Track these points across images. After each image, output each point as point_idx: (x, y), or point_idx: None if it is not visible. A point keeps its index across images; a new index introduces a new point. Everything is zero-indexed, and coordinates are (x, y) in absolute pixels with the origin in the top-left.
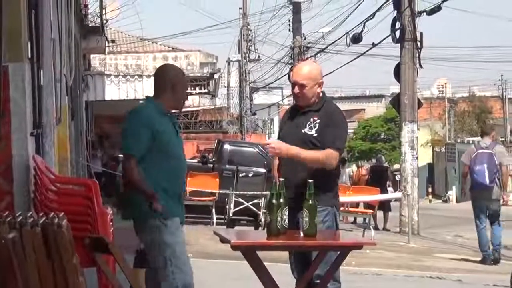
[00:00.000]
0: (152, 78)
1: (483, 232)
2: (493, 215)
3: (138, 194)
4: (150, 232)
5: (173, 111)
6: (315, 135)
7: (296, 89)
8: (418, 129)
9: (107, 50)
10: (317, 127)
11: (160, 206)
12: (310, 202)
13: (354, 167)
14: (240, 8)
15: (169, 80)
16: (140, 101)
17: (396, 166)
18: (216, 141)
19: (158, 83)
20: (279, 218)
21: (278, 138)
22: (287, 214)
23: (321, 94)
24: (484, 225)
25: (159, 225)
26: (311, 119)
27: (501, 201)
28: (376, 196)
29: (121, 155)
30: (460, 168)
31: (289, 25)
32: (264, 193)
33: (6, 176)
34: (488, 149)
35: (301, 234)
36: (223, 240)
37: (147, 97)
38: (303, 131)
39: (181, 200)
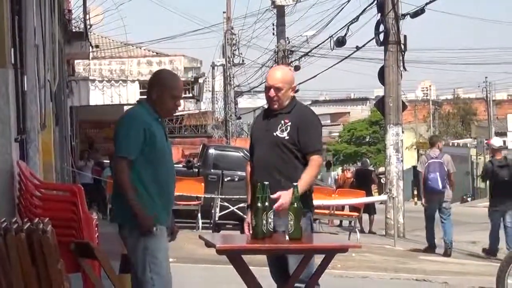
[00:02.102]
0: (136, 83)
1: (432, 230)
2: (444, 212)
3: (124, 198)
4: (134, 237)
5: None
6: (286, 137)
7: (272, 93)
8: (403, 131)
9: (91, 55)
10: (288, 129)
11: (148, 225)
12: (295, 205)
13: (339, 170)
14: (224, 12)
15: (162, 86)
16: (125, 106)
17: (382, 169)
18: (201, 146)
19: (151, 88)
20: (264, 222)
21: (250, 143)
22: (272, 217)
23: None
24: (433, 225)
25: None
26: (282, 122)
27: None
28: (362, 199)
29: (106, 160)
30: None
31: (273, 28)
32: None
33: None
34: (437, 158)
35: (287, 237)
36: (209, 245)
37: (139, 101)
38: (274, 134)
39: (170, 206)
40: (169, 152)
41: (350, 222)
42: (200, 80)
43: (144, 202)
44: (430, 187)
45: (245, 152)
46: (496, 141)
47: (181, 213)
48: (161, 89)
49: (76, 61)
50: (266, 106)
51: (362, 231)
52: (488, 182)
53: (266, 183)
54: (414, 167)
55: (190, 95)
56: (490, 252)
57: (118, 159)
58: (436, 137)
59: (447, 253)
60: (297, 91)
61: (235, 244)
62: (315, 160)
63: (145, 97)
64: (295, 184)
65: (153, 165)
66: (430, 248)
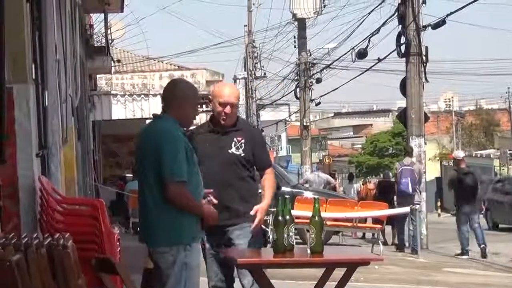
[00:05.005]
0: (159, 96)
1: (406, 229)
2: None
3: (163, 217)
4: (173, 254)
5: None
6: (242, 154)
7: (229, 109)
8: (425, 143)
9: (113, 70)
10: (243, 147)
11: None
12: (316, 218)
13: (361, 183)
14: (245, 26)
15: (183, 97)
16: (147, 120)
17: None
18: None
19: (173, 101)
20: (285, 235)
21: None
22: (293, 231)
23: None
24: (403, 226)
25: (184, 248)
26: (235, 139)
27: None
28: (384, 211)
29: (128, 175)
30: None
31: (295, 41)
32: (272, 210)
33: (12, 198)
34: (409, 166)
35: (308, 251)
36: (230, 258)
37: (158, 115)
38: (229, 151)
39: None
40: (197, 165)
41: (373, 234)
42: None
43: (183, 219)
44: (401, 190)
45: None
46: (459, 153)
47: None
48: (184, 100)
49: (98, 76)
50: (288, 119)
51: (385, 243)
52: (453, 189)
53: (287, 196)
54: (437, 178)
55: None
56: (463, 253)
57: (177, 184)
58: (410, 147)
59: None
60: (318, 103)
61: (257, 258)
62: (272, 174)
63: (161, 111)
64: (317, 197)
65: (193, 180)
66: (401, 247)
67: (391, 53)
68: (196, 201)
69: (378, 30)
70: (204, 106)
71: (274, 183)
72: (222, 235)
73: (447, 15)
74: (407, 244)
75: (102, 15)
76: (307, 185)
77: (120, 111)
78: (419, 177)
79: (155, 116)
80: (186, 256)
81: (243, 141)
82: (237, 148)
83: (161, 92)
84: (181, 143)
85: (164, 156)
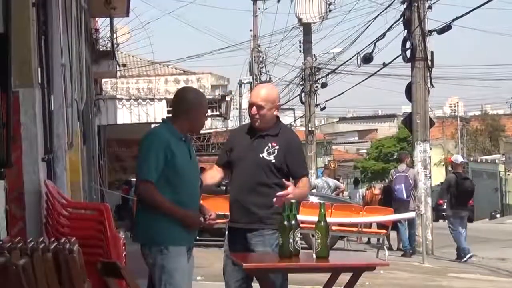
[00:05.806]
0: (164, 101)
1: (404, 233)
2: (409, 222)
3: (144, 218)
4: (153, 255)
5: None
6: (273, 161)
7: (254, 110)
8: (430, 148)
9: (118, 74)
10: (275, 153)
11: (206, 221)
12: (322, 223)
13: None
14: (250, 30)
15: (185, 103)
16: (152, 125)
17: None
18: None
19: (174, 106)
20: (291, 240)
21: (229, 159)
22: (299, 235)
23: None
24: (404, 228)
25: (161, 250)
26: (269, 144)
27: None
28: (389, 217)
29: (133, 179)
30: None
31: (300, 46)
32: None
33: (18, 202)
34: (404, 172)
35: (314, 256)
36: (236, 263)
37: (163, 119)
38: (260, 155)
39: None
40: (192, 172)
41: (378, 239)
42: (227, 98)
43: (162, 221)
44: (397, 197)
45: None
46: (458, 158)
47: (209, 231)
48: (191, 107)
49: (103, 80)
50: (293, 124)
51: (390, 248)
52: (450, 193)
53: (293, 201)
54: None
55: (217, 113)
56: (465, 255)
57: (141, 181)
58: (404, 153)
59: (413, 253)
60: (323, 108)
61: (262, 263)
62: (305, 182)
63: (168, 115)
64: (321, 201)
65: (173, 185)
66: (405, 253)
67: (396, 58)
68: (166, 202)
69: (383, 35)
70: (209, 110)
71: (306, 192)
72: (242, 240)
73: (453, 20)
74: (408, 246)
75: (108, 19)
76: (314, 191)
77: (125, 115)
78: (415, 183)
79: (163, 120)
80: (162, 259)
81: (277, 147)
82: (269, 154)
83: (166, 96)
84: (157, 145)
85: (139, 156)
